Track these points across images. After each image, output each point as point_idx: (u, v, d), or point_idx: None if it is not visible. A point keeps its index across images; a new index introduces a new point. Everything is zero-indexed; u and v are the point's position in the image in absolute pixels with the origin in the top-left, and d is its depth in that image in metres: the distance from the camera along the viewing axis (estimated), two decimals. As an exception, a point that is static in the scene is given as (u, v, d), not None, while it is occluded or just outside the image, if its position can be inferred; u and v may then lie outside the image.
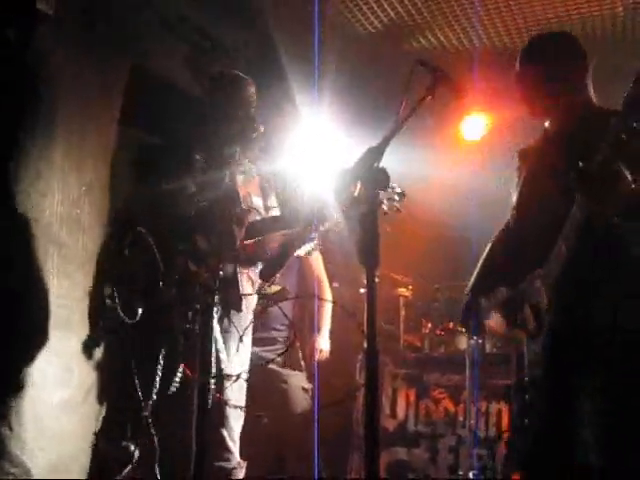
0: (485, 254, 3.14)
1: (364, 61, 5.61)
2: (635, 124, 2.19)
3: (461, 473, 4.74)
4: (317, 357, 4.71)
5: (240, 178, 3.39)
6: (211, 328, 2.55)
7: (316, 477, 4.33)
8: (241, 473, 3.47)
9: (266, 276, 2.61)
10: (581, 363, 2.60)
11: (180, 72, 4.55)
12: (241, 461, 3.45)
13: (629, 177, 2.27)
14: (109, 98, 4.23)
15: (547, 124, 2.94)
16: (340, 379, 4.85)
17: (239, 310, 2.97)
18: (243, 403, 3.28)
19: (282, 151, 4.30)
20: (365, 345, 2.12)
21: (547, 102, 2.87)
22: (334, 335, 4.78)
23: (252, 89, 3.47)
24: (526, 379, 2.90)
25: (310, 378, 4.76)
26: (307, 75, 4.68)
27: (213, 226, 2.55)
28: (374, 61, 5.61)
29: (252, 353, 4.42)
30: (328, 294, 4.84)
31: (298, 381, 4.75)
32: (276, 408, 4.58)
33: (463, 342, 5.12)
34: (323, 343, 4.72)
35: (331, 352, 4.72)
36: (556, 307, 2.66)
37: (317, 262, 4.87)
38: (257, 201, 3.37)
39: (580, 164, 2.33)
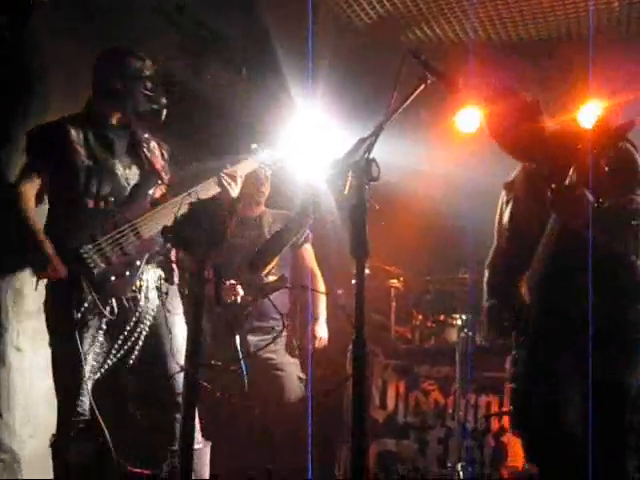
0: (486, 277, 3.49)
1: (359, 52, 5.60)
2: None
3: (450, 464, 4.75)
4: (316, 344, 4.75)
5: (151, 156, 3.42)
6: (201, 318, 2.54)
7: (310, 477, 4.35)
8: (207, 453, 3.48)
9: (258, 266, 2.60)
10: (563, 347, 2.99)
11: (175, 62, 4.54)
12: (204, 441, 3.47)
13: (591, 198, 2.72)
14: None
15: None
16: (330, 370, 4.86)
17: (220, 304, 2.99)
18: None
19: (278, 141, 4.31)
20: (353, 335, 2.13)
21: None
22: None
23: (137, 62, 3.41)
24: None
25: (305, 367, 4.78)
26: (302, 66, 4.67)
27: (203, 214, 2.55)
28: (369, 52, 5.60)
29: (249, 342, 4.47)
30: (321, 285, 4.86)
31: (294, 370, 4.78)
32: (271, 396, 4.61)
33: (453, 334, 5.13)
34: (321, 331, 4.80)
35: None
36: (538, 303, 3.04)
37: (309, 254, 4.88)
38: (166, 179, 3.45)
39: (552, 187, 2.83)
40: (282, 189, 4.80)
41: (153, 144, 3.50)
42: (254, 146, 3.68)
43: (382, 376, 5.26)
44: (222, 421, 4.37)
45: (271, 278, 4.52)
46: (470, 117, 5.90)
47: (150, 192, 3.37)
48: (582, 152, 2.69)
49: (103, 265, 3.12)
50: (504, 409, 4.85)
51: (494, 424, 4.89)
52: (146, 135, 3.48)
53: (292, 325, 5.15)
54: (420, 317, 5.49)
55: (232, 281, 4.25)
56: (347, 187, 2.20)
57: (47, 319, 3.26)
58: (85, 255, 3.10)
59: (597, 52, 4.66)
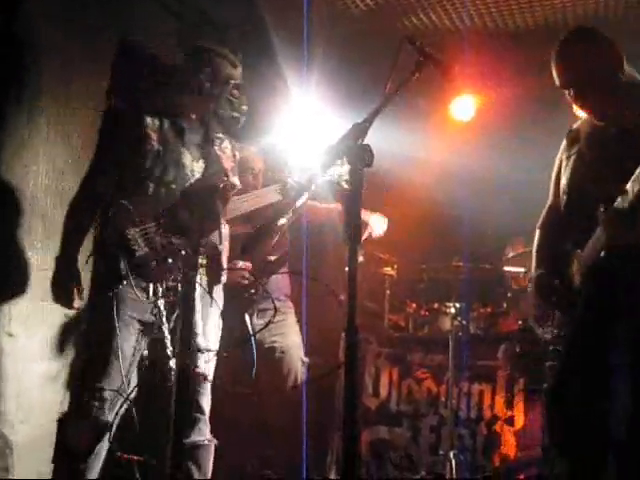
0: (537, 240, 3.23)
1: (355, 40, 5.59)
2: None
3: (442, 452, 4.76)
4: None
5: (221, 155, 3.41)
6: (193, 303, 2.54)
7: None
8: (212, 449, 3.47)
9: (249, 250, 2.59)
10: (608, 339, 2.83)
11: (170, 47, 4.52)
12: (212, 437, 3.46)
13: None
14: (97, 69, 4.20)
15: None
16: (323, 357, 4.85)
17: (218, 282, 2.98)
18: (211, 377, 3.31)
19: (273, 129, 4.30)
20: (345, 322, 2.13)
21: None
22: (316, 313, 4.80)
23: (229, 68, 3.44)
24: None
25: (311, 349, 4.79)
26: (298, 53, 4.66)
27: (196, 200, 2.54)
28: (365, 40, 5.59)
29: (255, 325, 4.48)
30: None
31: (297, 352, 4.78)
32: (272, 381, 4.62)
33: (447, 323, 5.13)
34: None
35: (314, 330, 4.75)
36: (587, 290, 2.88)
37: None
38: (234, 180, 3.39)
39: (612, 205, 2.62)
40: (276, 176, 4.78)
41: (226, 144, 3.51)
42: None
43: (375, 364, 5.27)
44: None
45: (272, 258, 4.55)
46: (466, 105, 5.89)
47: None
48: None
49: (146, 249, 3.07)
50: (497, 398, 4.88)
51: (486, 412, 4.91)
52: (220, 135, 3.49)
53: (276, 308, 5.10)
54: (414, 305, 5.50)
55: (241, 263, 4.26)
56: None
57: (90, 293, 3.26)
58: (129, 236, 3.07)
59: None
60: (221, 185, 2.93)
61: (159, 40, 4.45)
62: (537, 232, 3.22)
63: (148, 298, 3.11)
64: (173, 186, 3.23)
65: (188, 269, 2.51)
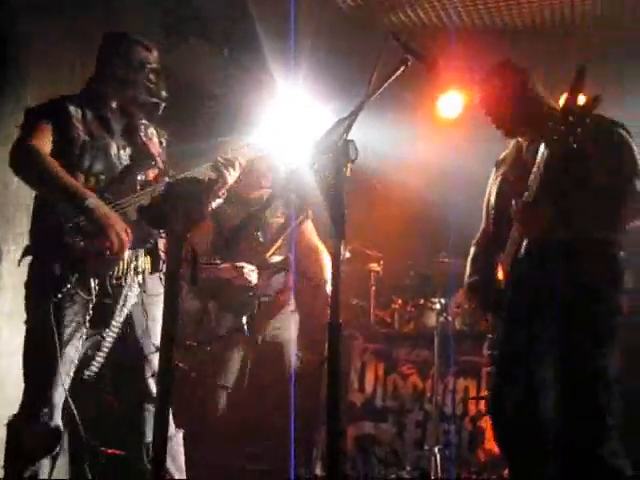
0: (471, 254, 3.49)
1: (342, 34, 5.58)
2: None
3: (427, 447, 4.77)
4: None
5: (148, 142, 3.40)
6: (177, 297, 2.53)
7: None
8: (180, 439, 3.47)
9: (232, 245, 2.59)
10: (536, 332, 3.00)
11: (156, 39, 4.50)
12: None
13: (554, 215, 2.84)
14: (84, 60, 4.18)
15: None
16: (308, 353, 4.86)
17: (196, 283, 2.97)
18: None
19: (259, 123, 4.28)
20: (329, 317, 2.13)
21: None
22: (303, 309, 4.82)
23: (144, 52, 3.38)
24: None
25: (301, 345, 4.83)
26: (284, 46, 4.65)
27: (180, 193, 2.53)
28: (352, 34, 5.58)
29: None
30: (326, 257, 4.83)
31: (293, 347, 4.82)
32: (270, 374, 4.65)
33: (433, 319, 5.13)
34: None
35: (300, 326, 4.78)
36: (512, 287, 3.08)
37: (309, 230, 4.87)
38: (161, 166, 3.40)
39: (518, 200, 2.92)
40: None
41: (151, 130, 3.49)
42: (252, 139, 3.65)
43: (361, 360, 5.27)
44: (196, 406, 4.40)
45: (276, 259, 4.57)
46: (452, 102, 5.90)
47: (140, 174, 3.33)
48: (551, 129, 2.72)
49: (82, 243, 3.07)
50: (482, 393, 4.89)
51: (471, 408, 4.93)
52: (144, 120, 3.46)
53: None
54: (400, 301, 5.49)
55: (242, 263, 4.28)
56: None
57: (26, 297, 3.22)
58: (66, 230, 3.05)
59: (578, 37, 4.68)
60: (207, 179, 2.91)
61: (145, 32, 4.42)
62: (472, 248, 3.47)
63: (90, 296, 3.11)
64: (102, 177, 3.21)
65: (173, 264, 2.49)
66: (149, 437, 3.23)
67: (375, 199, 5.24)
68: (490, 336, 3.31)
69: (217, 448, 3.54)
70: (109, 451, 3.02)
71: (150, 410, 3.21)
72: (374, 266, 5.58)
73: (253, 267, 4.13)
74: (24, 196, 3.85)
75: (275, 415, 4.66)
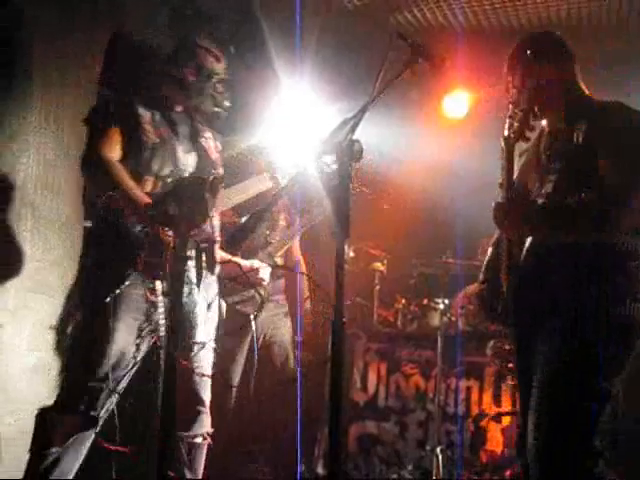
0: (488, 256, 3.23)
1: (348, 33, 5.58)
2: None
3: (429, 448, 4.77)
4: None
5: (207, 147, 3.41)
6: (181, 296, 2.54)
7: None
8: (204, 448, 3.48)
9: (237, 243, 2.59)
10: (535, 343, 2.78)
11: (161, 37, 4.51)
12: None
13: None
14: (89, 59, 4.19)
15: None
16: (311, 353, 4.87)
17: (213, 273, 2.96)
18: (209, 372, 3.31)
19: (263, 121, 4.28)
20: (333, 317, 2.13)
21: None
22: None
23: (214, 63, 3.43)
24: None
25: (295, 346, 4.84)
26: (289, 45, 4.65)
27: (185, 192, 2.54)
28: (358, 34, 5.58)
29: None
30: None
31: (291, 347, 4.83)
32: (268, 371, 4.68)
33: (436, 319, 5.14)
34: None
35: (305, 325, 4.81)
36: (512, 294, 2.84)
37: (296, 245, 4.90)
38: (221, 171, 3.41)
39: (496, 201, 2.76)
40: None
41: (209, 134, 3.51)
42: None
43: (364, 359, 5.28)
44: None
45: (278, 260, 4.59)
46: (458, 102, 5.90)
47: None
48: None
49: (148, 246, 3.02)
50: (484, 394, 4.90)
51: (474, 409, 4.93)
52: (203, 126, 3.49)
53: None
54: (403, 301, 5.49)
55: (256, 263, 4.30)
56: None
57: (84, 292, 3.22)
58: (136, 233, 3.04)
59: (583, 39, 4.67)
60: (211, 178, 2.92)
61: (152, 31, 4.43)
62: (489, 249, 3.22)
63: (156, 296, 3.08)
64: (169, 180, 3.22)
65: (177, 262, 2.50)
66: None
67: (380, 199, 5.22)
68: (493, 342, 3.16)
69: (216, 446, 3.53)
70: (113, 448, 3.01)
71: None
72: (378, 265, 5.59)
73: (265, 265, 4.14)
74: (29, 196, 3.86)
75: (274, 415, 4.67)
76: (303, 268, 4.92)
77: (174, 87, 3.39)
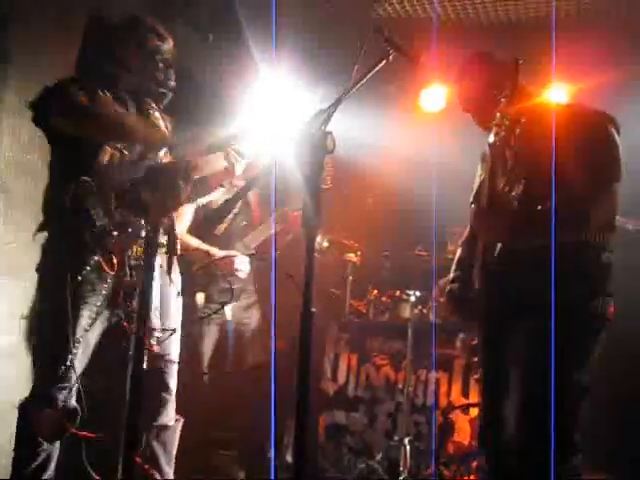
0: (457, 255, 3.31)
1: (328, 23, 5.57)
2: None
3: (397, 438, 4.81)
4: None
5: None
6: (151, 281, 2.54)
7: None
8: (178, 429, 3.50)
9: (209, 227, 2.59)
10: (506, 337, 2.84)
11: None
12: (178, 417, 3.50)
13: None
14: (66, 42, 4.15)
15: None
16: (282, 342, 4.88)
17: (175, 254, 2.93)
18: (177, 358, 3.32)
19: (241, 109, 4.27)
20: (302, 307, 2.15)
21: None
22: (279, 297, 4.83)
23: (156, 41, 3.36)
24: None
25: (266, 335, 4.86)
26: (268, 34, 4.64)
27: (159, 179, 2.54)
28: (338, 24, 5.57)
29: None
30: None
31: (261, 334, 4.85)
32: (237, 361, 4.70)
33: (407, 310, 5.17)
34: None
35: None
36: (483, 290, 2.89)
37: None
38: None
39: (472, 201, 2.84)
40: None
41: (157, 114, 3.44)
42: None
43: (335, 349, 5.31)
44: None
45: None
46: (435, 95, 5.92)
47: (157, 158, 3.27)
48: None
49: (105, 219, 2.95)
50: (453, 386, 4.94)
51: (442, 400, 4.97)
52: (152, 104, 3.42)
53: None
54: (375, 292, 5.52)
55: (232, 253, 4.30)
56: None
57: (42, 275, 3.16)
58: (90, 207, 2.95)
59: (562, 35, 4.69)
60: (184, 164, 2.91)
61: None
62: (458, 250, 3.30)
63: (113, 271, 3.01)
64: (126, 152, 3.14)
65: (149, 248, 2.50)
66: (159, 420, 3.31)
67: (355, 190, 5.25)
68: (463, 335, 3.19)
69: (185, 433, 3.55)
70: (82, 434, 3.01)
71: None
72: (351, 256, 5.61)
73: (246, 258, 4.14)
74: (1, 178, 3.84)
75: (244, 402, 4.70)
76: None
77: (117, 66, 3.29)
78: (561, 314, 2.64)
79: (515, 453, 2.72)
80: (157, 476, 3.36)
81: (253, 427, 4.72)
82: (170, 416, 3.39)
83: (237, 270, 4.39)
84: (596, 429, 3.08)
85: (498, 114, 2.71)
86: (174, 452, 3.47)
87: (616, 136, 2.81)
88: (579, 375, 2.72)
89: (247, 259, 4.27)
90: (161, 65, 3.34)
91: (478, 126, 3.15)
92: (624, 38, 5.45)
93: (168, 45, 3.39)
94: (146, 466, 3.30)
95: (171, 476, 3.44)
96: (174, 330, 3.17)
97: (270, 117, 4.02)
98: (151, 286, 2.47)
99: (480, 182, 3.06)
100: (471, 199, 3.11)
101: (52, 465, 3.07)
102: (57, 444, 3.08)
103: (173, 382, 3.38)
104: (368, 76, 2.39)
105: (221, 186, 3.40)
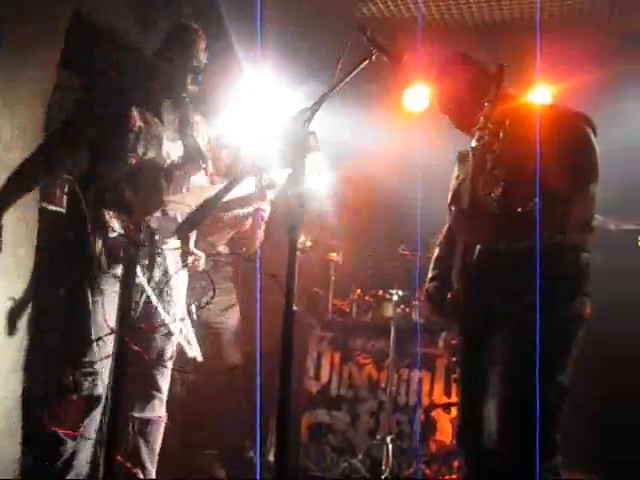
0: (434, 255, 3.31)
1: (311, 20, 5.56)
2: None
3: (380, 437, 4.82)
4: None
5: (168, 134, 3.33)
6: (133, 280, 2.53)
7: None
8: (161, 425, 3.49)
9: (183, 234, 2.59)
10: (485, 338, 2.87)
11: (123, 19, 4.46)
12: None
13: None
14: (49, 39, 4.12)
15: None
16: (265, 340, 4.87)
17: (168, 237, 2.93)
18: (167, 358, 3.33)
19: (225, 107, 4.26)
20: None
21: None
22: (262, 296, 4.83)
23: (203, 43, 3.41)
24: None
25: (246, 334, 4.85)
26: (252, 32, 4.63)
27: (141, 178, 2.53)
28: (322, 21, 5.56)
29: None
30: None
31: (238, 333, 4.85)
32: (216, 358, 4.69)
33: (390, 310, 5.18)
34: None
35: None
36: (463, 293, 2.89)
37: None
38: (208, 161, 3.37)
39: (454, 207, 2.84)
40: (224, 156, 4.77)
41: (203, 127, 3.46)
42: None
43: (317, 348, 5.32)
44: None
45: (221, 249, 4.59)
46: (418, 95, 5.92)
47: (189, 172, 3.27)
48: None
49: (120, 230, 2.97)
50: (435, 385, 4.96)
51: (424, 399, 4.99)
52: (198, 117, 3.43)
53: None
54: (358, 291, 5.53)
55: (195, 250, 4.28)
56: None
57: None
58: (106, 219, 2.98)
59: (546, 35, 4.70)
60: (166, 164, 2.90)
61: (112, 11, 4.38)
62: (435, 249, 3.30)
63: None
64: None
65: (130, 247, 2.49)
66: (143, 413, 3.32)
67: (338, 190, 5.24)
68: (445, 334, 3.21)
69: (167, 433, 3.54)
70: (64, 432, 3.00)
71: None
72: (334, 256, 5.62)
73: (202, 253, 4.13)
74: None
75: (223, 402, 4.69)
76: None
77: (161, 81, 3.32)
78: (541, 315, 2.64)
79: (496, 454, 2.73)
80: (140, 475, 3.35)
81: (233, 426, 4.72)
82: (156, 412, 3.38)
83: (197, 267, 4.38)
84: (575, 430, 3.09)
85: (482, 118, 2.70)
86: (157, 450, 3.45)
87: (593, 138, 2.83)
88: (559, 376, 2.74)
89: (203, 257, 4.28)
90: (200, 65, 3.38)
91: (456, 128, 3.16)
92: (608, 38, 5.48)
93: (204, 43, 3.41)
94: (128, 464, 3.29)
95: (153, 475, 3.43)
96: (169, 330, 3.17)
97: (253, 115, 4.03)
98: (133, 284, 2.46)
99: (458, 183, 3.08)
100: (449, 200, 3.13)
101: (79, 461, 3.07)
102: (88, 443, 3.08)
103: (164, 380, 3.38)
104: (351, 75, 2.39)
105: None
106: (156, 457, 3.46)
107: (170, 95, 3.33)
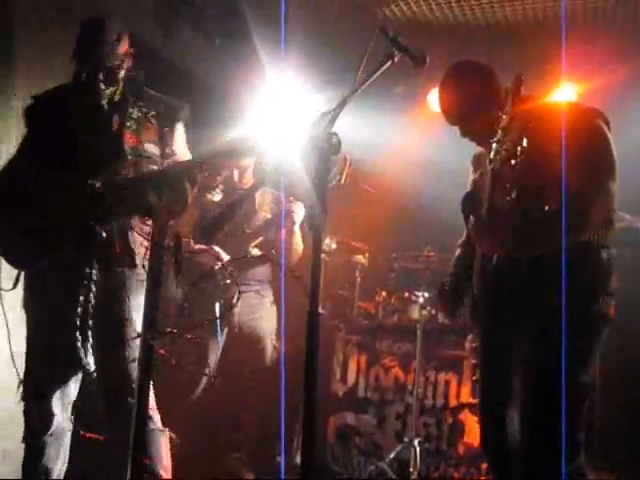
0: (455, 255, 3.31)
1: (335, 24, 5.57)
2: None
3: (407, 439, 4.81)
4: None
5: (129, 126, 3.21)
6: (160, 285, 2.54)
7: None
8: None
9: (210, 234, 2.59)
10: (507, 341, 2.86)
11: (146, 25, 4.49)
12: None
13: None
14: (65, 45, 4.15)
15: None
16: (291, 344, 4.88)
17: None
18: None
19: (248, 111, 4.28)
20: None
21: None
22: (290, 300, 4.83)
23: (104, 31, 3.26)
24: None
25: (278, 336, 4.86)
26: (276, 36, 4.64)
27: (166, 181, 2.53)
28: (345, 25, 5.56)
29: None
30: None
31: (271, 336, 4.85)
32: (247, 364, 4.69)
33: (416, 312, 5.16)
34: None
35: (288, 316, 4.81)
36: (480, 295, 2.93)
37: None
38: (151, 148, 3.22)
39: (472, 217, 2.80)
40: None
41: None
42: None
43: (344, 351, 5.31)
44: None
45: (255, 252, 4.58)
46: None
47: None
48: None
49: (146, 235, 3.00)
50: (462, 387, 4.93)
51: (452, 401, 4.96)
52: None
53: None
54: (384, 293, 5.51)
55: (215, 248, 4.29)
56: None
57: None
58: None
59: (570, 34, 4.67)
60: (191, 168, 2.91)
61: (136, 19, 4.40)
62: (457, 249, 3.30)
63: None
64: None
65: (156, 251, 2.50)
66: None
67: (363, 192, 5.24)
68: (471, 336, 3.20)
69: (195, 436, 3.55)
70: (88, 435, 3.02)
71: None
72: (359, 258, 5.61)
73: (226, 256, 4.14)
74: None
75: (252, 405, 4.70)
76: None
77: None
78: (566, 315, 2.63)
79: (521, 455, 2.73)
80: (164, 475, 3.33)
81: (262, 429, 4.73)
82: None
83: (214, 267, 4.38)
84: (602, 432, 3.07)
85: (499, 131, 2.67)
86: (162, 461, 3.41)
87: (608, 132, 2.80)
88: (582, 375, 2.73)
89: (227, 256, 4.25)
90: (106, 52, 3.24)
91: (462, 136, 3.14)
92: (631, 36, 5.44)
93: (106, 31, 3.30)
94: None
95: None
96: (181, 333, 3.17)
97: (277, 118, 4.03)
98: (158, 289, 2.47)
99: (476, 190, 3.03)
100: (465, 206, 3.04)
101: (47, 458, 3.08)
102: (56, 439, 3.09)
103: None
104: (373, 77, 2.39)
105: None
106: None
107: None
